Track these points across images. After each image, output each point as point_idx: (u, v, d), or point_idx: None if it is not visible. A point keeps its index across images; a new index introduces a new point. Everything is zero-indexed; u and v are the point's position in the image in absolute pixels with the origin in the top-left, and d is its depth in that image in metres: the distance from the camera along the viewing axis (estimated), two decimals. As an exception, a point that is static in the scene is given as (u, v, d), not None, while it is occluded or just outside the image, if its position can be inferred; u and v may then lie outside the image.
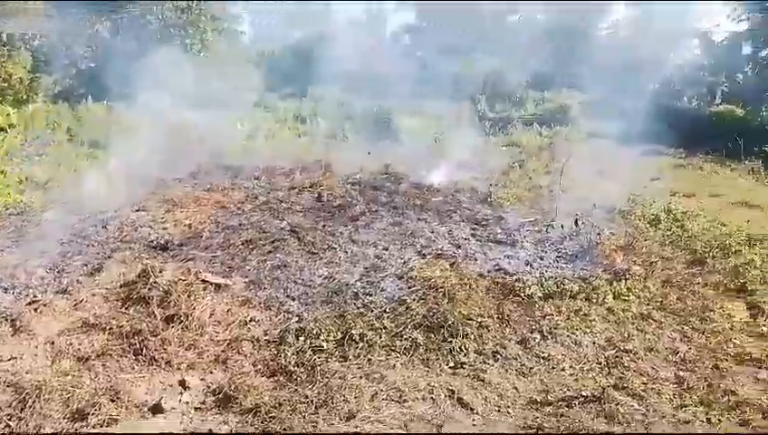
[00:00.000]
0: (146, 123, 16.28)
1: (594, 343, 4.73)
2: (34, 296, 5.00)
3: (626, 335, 4.86)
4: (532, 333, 4.83)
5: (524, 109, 25.82)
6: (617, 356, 4.51)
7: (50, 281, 5.39)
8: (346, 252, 6.91)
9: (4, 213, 7.56)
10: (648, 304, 5.54)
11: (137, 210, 8.11)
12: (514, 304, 5.39)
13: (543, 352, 4.52)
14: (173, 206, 8.46)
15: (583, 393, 3.90)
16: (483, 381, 4.06)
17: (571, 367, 4.35)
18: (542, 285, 5.79)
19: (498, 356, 4.43)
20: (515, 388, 4.02)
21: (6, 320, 4.56)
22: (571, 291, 5.69)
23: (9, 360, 3.92)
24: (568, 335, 4.80)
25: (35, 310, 4.71)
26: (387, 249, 7.06)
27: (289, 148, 15.25)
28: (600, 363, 4.41)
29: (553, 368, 4.32)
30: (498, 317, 5.05)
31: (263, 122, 18.62)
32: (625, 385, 4.06)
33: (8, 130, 12.05)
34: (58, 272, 5.62)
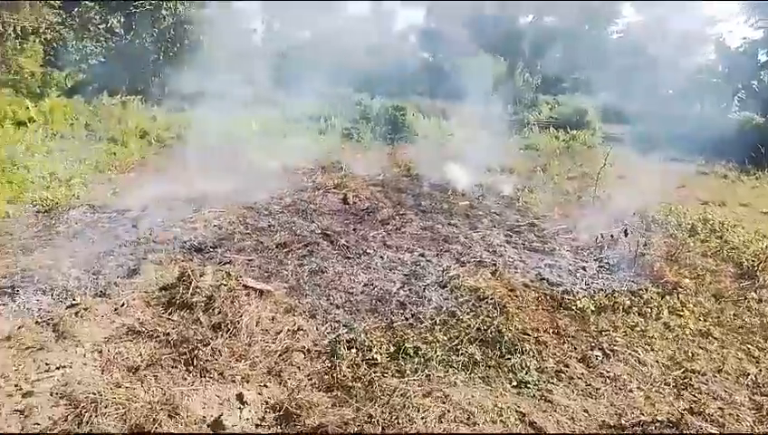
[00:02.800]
0: (161, 120, 16.18)
1: (658, 362, 4.53)
2: (73, 299, 4.81)
3: (689, 354, 4.66)
4: (592, 350, 4.63)
5: (539, 111, 25.62)
6: (685, 377, 4.32)
7: (87, 283, 5.20)
8: (381, 257, 6.73)
9: (31, 210, 7.39)
10: (704, 320, 5.35)
11: (163, 209, 7.93)
12: (567, 318, 5.20)
13: (608, 372, 4.32)
14: (200, 205, 8.29)
15: (658, 418, 3.71)
16: (551, 402, 3.87)
17: (638, 388, 4.15)
18: (592, 298, 5.61)
19: (562, 375, 4.23)
20: (585, 410, 3.82)
21: (48, 325, 4.37)
22: (624, 305, 5.51)
23: (58, 369, 3.73)
24: (630, 353, 4.61)
25: (76, 314, 4.53)
26: (423, 255, 6.88)
27: (305, 147, 15.05)
28: (669, 385, 4.21)
29: (621, 389, 4.13)
30: (554, 332, 4.86)
31: (274, 122, 18.42)
32: (700, 410, 3.87)
33: (28, 125, 11.92)
34: (94, 273, 5.43)
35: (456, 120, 21.76)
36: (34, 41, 21.74)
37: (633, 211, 7.80)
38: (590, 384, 4.15)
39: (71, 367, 3.78)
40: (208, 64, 22.08)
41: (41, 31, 22.01)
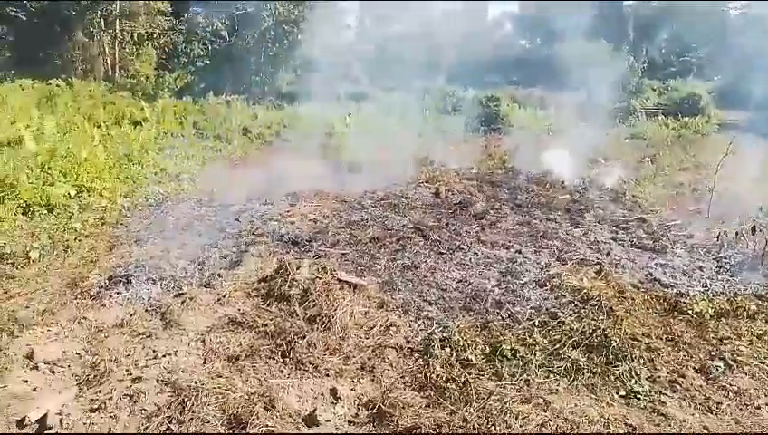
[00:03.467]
0: (261, 117, 16.87)
1: (791, 375, 4.01)
2: (180, 289, 5.07)
3: (829, 370, 4.09)
4: (712, 359, 4.18)
5: (645, 98, 23.95)
6: (823, 396, 3.78)
7: (193, 273, 5.48)
8: (476, 253, 6.53)
9: (145, 203, 7.94)
10: None
11: (264, 203, 8.22)
12: (683, 324, 4.74)
13: (731, 385, 3.88)
14: (297, 199, 8.51)
15: (793, 441, 3.27)
16: (664, 416, 3.53)
17: (767, 404, 3.69)
18: (711, 302, 5.09)
19: (677, 386, 3.85)
20: (705, 427, 3.45)
21: (157, 313, 4.63)
22: (748, 310, 4.95)
23: (164, 356, 3.93)
24: (757, 365, 4.11)
25: (182, 303, 4.77)
26: (520, 252, 6.60)
27: (398, 141, 15.06)
28: (805, 403, 3.71)
29: (746, 405, 3.69)
30: (668, 339, 4.44)
31: (368, 116, 18.59)
32: None
33: (143, 124, 12.88)
34: (199, 264, 5.71)
35: (554, 110, 20.87)
36: (148, 46, 23.55)
37: (761, 205, 6.97)
38: (709, 398, 3.74)
39: (176, 355, 3.97)
40: (306, 62, 22.80)
41: (154, 36, 23.81)
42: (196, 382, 3.55)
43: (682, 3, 36.62)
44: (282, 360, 3.99)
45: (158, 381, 3.65)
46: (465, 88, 23.86)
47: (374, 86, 24.36)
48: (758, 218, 6.47)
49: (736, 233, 6.35)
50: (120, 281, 5.10)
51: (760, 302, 5.15)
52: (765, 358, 4.23)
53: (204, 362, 3.91)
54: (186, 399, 3.39)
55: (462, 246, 6.74)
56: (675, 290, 5.48)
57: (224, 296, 4.93)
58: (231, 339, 4.22)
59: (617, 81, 26.33)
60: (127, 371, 3.79)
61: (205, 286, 5.19)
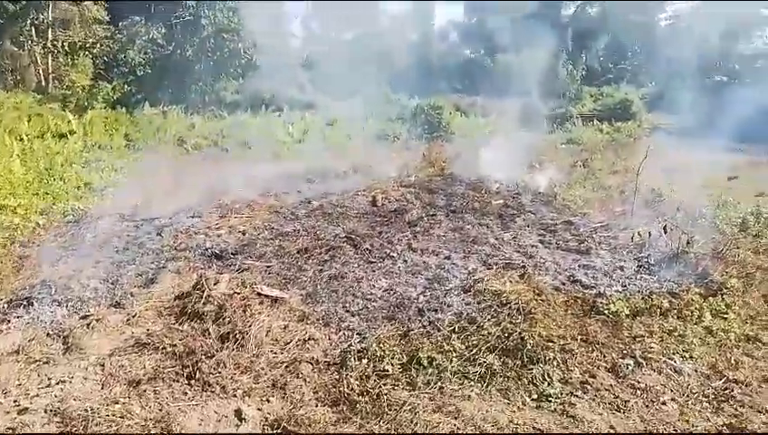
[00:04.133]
0: (199, 127, 16.47)
1: (696, 370, 4.12)
2: (87, 311, 4.80)
3: (733, 362, 4.22)
4: (623, 358, 4.25)
5: (582, 104, 24.73)
6: (726, 388, 3.90)
7: (103, 293, 5.21)
8: (405, 261, 6.49)
9: (62, 220, 7.54)
10: (752, 324, 4.87)
11: (191, 216, 7.96)
12: (599, 323, 4.82)
13: (639, 382, 3.95)
14: (227, 211, 8.28)
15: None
16: (573, 417, 3.55)
17: (673, 400, 3.77)
18: (627, 301, 5.20)
19: (588, 387, 3.89)
20: (612, 427, 3.48)
21: (59, 336, 4.37)
22: (661, 307, 5.08)
23: (58, 384, 3.69)
24: (665, 361, 4.21)
25: (88, 325, 4.51)
26: (449, 258, 6.61)
27: (339, 149, 14.99)
28: (708, 397, 3.81)
29: (653, 401, 3.76)
30: (583, 339, 4.50)
31: (312, 124, 18.45)
32: (742, 425, 3.47)
33: (69, 137, 12.32)
34: (112, 283, 5.44)
35: (495, 117, 21.25)
36: (84, 55, 22.63)
37: (677, 206, 7.24)
38: (618, 396, 3.80)
39: (71, 381, 3.73)
40: (248, 71, 22.46)
41: (89, 45, 22.92)
42: (87, 410, 3.33)
43: (618, 11, 38.15)
44: (187, 382, 3.81)
45: (46, 411, 3.41)
46: (409, 96, 24.02)
47: (319, 94, 24.21)
48: (674, 218, 6.70)
49: (649, 233, 6.55)
50: (22, 304, 4.79)
51: (673, 299, 5.29)
52: (674, 353, 4.34)
53: (102, 388, 3.69)
54: (74, 429, 3.17)
55: (392, 254, 6.69)
56: (594, 291, 5.58)
57: (133, 317, 4.70)
58: (134, 362, 4.00)
59: (556, 88, 27.17)
60: (15, 401, 3.53)
61: (114, 307, 4.94)
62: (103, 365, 3.93)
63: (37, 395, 3.58)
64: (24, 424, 3.26)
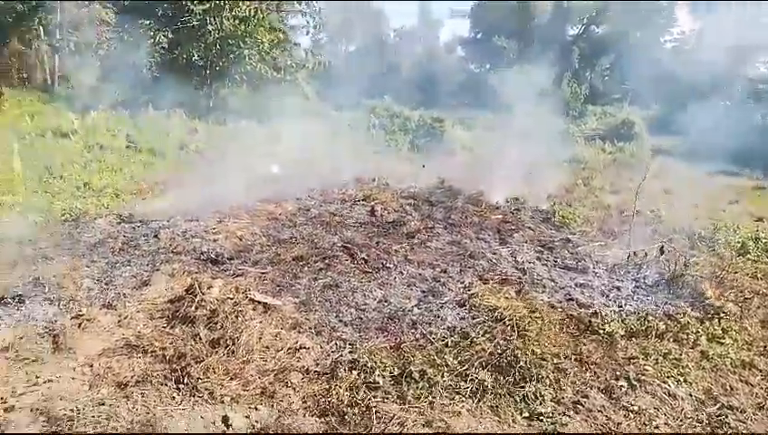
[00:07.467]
0: (202, 132, 16.50)
1: (691, 395, 4.08)
2: (79, 310, 4.77)
3: (728, 388, 4.18)
4: (617, 379, 4.21)
5: (584, 123, 24.83)
6: (720, 414, 3.86)
7: (96, 293, 5.17)
8: (401, 272, 6.46)
9: (60, 219, 7.52)
10: (748, 350, 4.84)
11: (189, 220, 7.93)
12: (593, 343, 4.78)
13: (632, 405, 3.91)
14: (225, 216, 8.26)
15: (686, 461, 3.29)
16: (563, 437, 3.51)
17: (666, 424, 3.73)
18: (623, 322, 5.17)
19: (580, 407, 3.85)
20: (603, 448, 3.44)
21: (49, 335, 4.33)
22: (657, 329, 5.04)
23: (45, 383, 3.64)
24: (659, 384, 4.16)
25: (79, 326, 4.48)
26: (445, 271, 6.58)
27: (342, 159, 14.97)
28: (702, 422, 3.77)
29: (645, 425, 3.71)
30: (576, 358, 4.46)
31: (317, 134, 18.47)
32: (735, 453, 3.42)
33: (71, 137, 12.34)
34: (105, 284, 5.41)
35: (498, 132, 21.29)
36: (91, 56, 22.75)
37: (676, 228, 7.23)
38: (610, 419, 3.76)
39: (59, 381, 3.69)
40: (254, 78, 22.54)
41: (96, 47, 23.04)
42: (73, 410, 3.29)
43: (623, 31, 38.43)
44: (176, 386, 3.77)
45: (32, 410, 3.36)
46: (412, 108, 24.14)
47: (324, 103, 24.31)
48: (673, 239, 6.67)
49: (645, 253, 6.53)
50: (13, 301, 4.75)
51: (669, 321, 5.26)
52: (668, 377, 4.30)
53: (89, 389, 3.65)
54: (59, 429, 3.13)
55: (388, 265, 6.66)
56: (591, 310, 5.54)
57: (125, 318, 4.66)
58: (123, 364, 3.96)
59: (560, 106, 27.27)
60: (1, 398, 3.49)
61: (107, 307, 4.90)
62: (92, 366, 3.89)
63: (24, 393, 3.53)
64: (8, 422, 3.22)
